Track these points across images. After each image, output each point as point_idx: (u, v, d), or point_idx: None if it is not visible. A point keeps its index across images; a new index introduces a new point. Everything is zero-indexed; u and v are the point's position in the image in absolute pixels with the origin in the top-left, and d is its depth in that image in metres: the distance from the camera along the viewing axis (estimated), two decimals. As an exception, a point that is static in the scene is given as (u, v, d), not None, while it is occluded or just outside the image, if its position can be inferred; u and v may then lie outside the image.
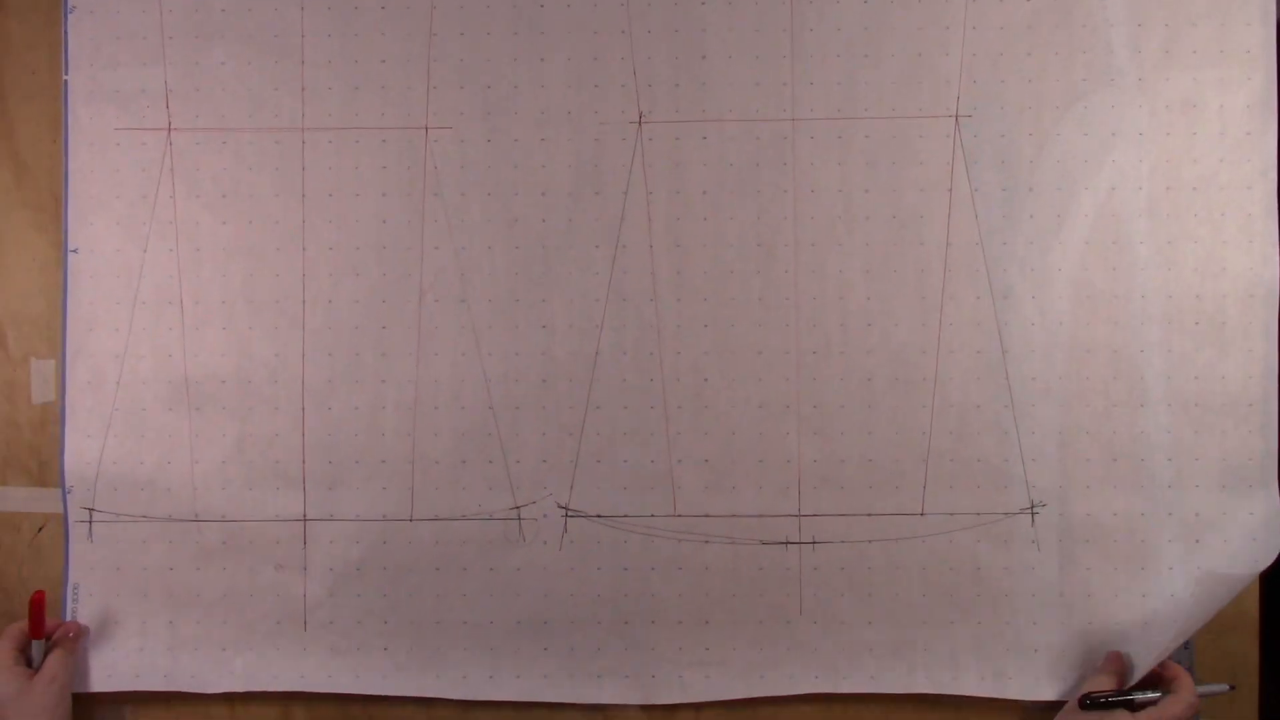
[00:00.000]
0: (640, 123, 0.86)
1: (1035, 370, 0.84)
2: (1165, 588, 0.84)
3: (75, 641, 0.84)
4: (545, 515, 0.85)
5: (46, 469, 0.88)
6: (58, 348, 0.87)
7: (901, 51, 0.85)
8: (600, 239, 0.86)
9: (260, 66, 0.86)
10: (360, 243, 0.86)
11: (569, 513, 0.86)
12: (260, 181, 0.86)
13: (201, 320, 0.86)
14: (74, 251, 0.86)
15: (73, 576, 0.86)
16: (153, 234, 0.86)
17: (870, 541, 0.85)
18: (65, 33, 0.86)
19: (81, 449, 0.86)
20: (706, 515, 0.85)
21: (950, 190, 0.85)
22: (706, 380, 0.85)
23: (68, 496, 0.85)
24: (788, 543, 0.85)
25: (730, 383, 0.85)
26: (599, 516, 0.85)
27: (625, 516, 0.85)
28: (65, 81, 0.86)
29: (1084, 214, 0.85)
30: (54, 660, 0.82)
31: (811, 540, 0.85)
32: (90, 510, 0.86)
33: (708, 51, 0.86)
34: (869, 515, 0.85)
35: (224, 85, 0.86)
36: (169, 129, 0.86)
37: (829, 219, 0.85)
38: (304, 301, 0.86)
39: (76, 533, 0.86)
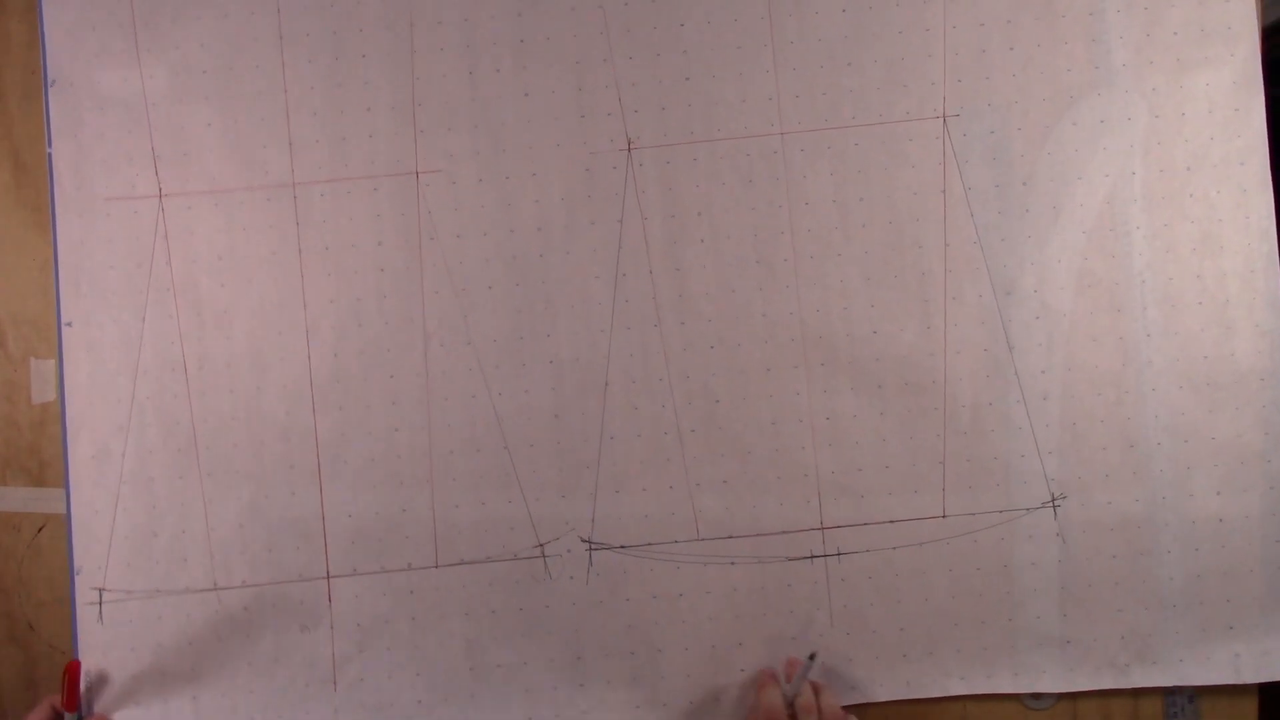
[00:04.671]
0: (629, 149, 0.83)
1: (1044, 363, 0.82)
2: (1192, 569, 0.81)
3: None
4: (569, 550, 0.82)
5: (47, 469, 0.84)
6: (57, 348, 0.83)
7: (883, 57, 0.82)
8: (599, 269, 0.83)
9: (246, 125, 0.82)
10: (361, 293, 0.83)
11: (592, 546, 0.83)
12: (256, 240, 0.83)
13: (208, 385, 0.82)
14: (69, 325, 0.83)
15: (85, 662, 0.81)
16: (151, 301, 0.83)
17: (895, 549, 0.82)
18: (46, 106, 0.82)
19: (89, 527, 0.81)
20: (730, 536, 0.82)
21: (944, 191, 0.82)
22: (718, 402, 0.82)
23: (76, 578, 0.81)
24: (813, 557, 0.82)
25: (742, 402, 0.82)
26: (623, 547, 0.83)
27: (649, 545, 0.82)
28: (49, 155, 0.83)
29: (1079, 204, 0.82)
30: None
31: (836, 552, 0.82)
32: (100, 590, 0.81)
33: (691, 73, 0.83)
34: (891, 522, 0.82)
35: (211, 147, 0.83)
36: (160, 195, 0.83)
37: (826, 229, 0.83)
38: (309, 357, 0.83)
39: (86, 616, 0.81)
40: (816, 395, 0.82)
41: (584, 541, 0.82)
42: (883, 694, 0.81)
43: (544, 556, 0.82)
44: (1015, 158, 0.82)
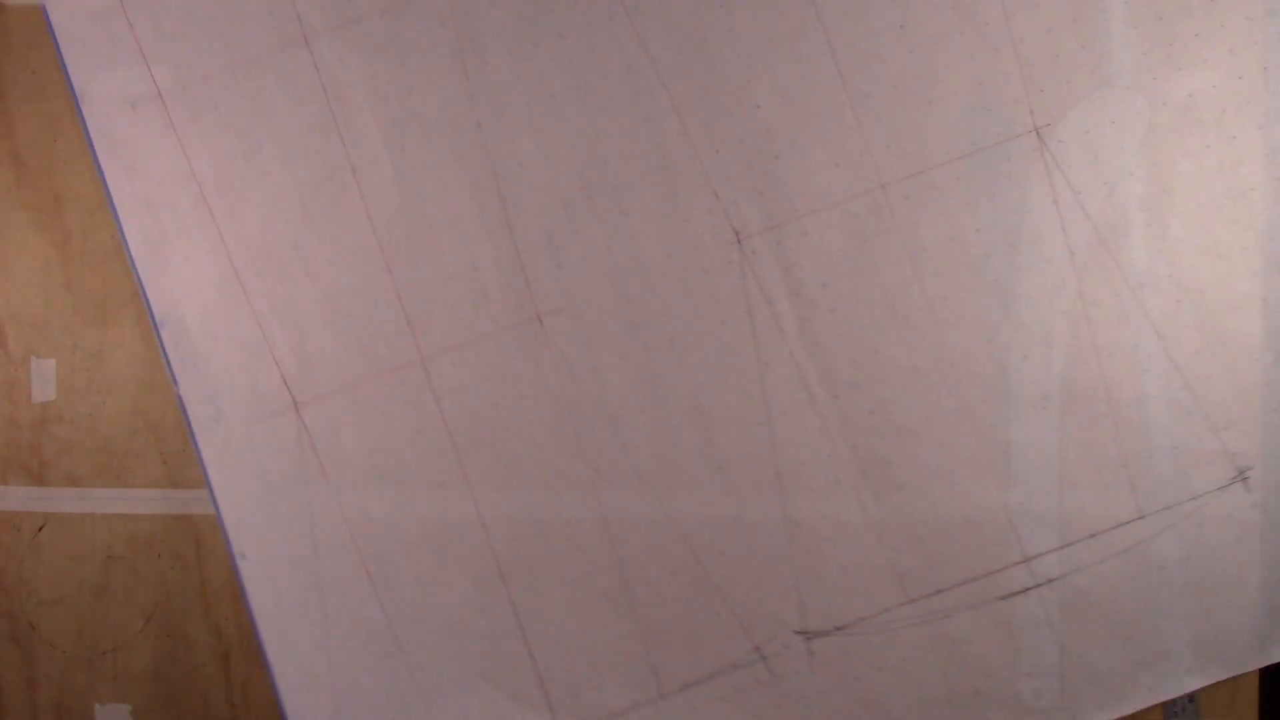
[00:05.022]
0: (739, 241, 0.82)
1: (1195, 344, 0.81)
2: (1395, 505, 0.81)
3: None
4: (787, 646, 0.82)
5: (47, 468, 0.84)
6: (57, 347, 0.83)
7: (961, 87, 0.82)
8: (741, 364, 0.82)
9: (360, 316, 0.81)
10: (518, 449, 0.82)
11: (808, 635, 0.82)
12: (401, 426, 0.82)
13: (392, 581, 0.81)
14: (243, 558, 0.82)
15: None
16: (317, 514, 0.82)
17: (1103, 561, 0.82)
18: (164, 349, 0.82)
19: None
20: (938, 591, 0.82)
21: (1055, 201, 0.82)
22: (891, 463, 0.82)
23: None
24: (1025, 590, 0.82)
25: (915, 457, 0.82)
26: (837, 629, 0.82)
27: (861, 620, 0.82)
28: (178, 395, 0.82)
29: (1187, 179, 0.81)
30: None
31: (1046, 580, 0.82)
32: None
33: (778, 151, 0.82)
34: (1092, 536, 0.82)
35: (331, 346, 0.82)
36: (295, 406, 0.82)
37: (951, 268, 0.82)
38: (484, 526, 0.82)
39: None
40: (985, 432, 0.82)
41: (799, 633, 0.82)
42: (1129, 706, 0.81)
43: (763, 658, 0.82)
44: (1115, 150, 0.82)
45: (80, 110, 0.80)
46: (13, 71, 0.83)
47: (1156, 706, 0.83)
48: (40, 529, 0.84)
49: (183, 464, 0.84)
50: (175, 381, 0.82)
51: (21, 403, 0.84)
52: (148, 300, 0.82)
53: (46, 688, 0.83)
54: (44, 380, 0.83)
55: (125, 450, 0.84)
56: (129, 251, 0.81)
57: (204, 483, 0.83)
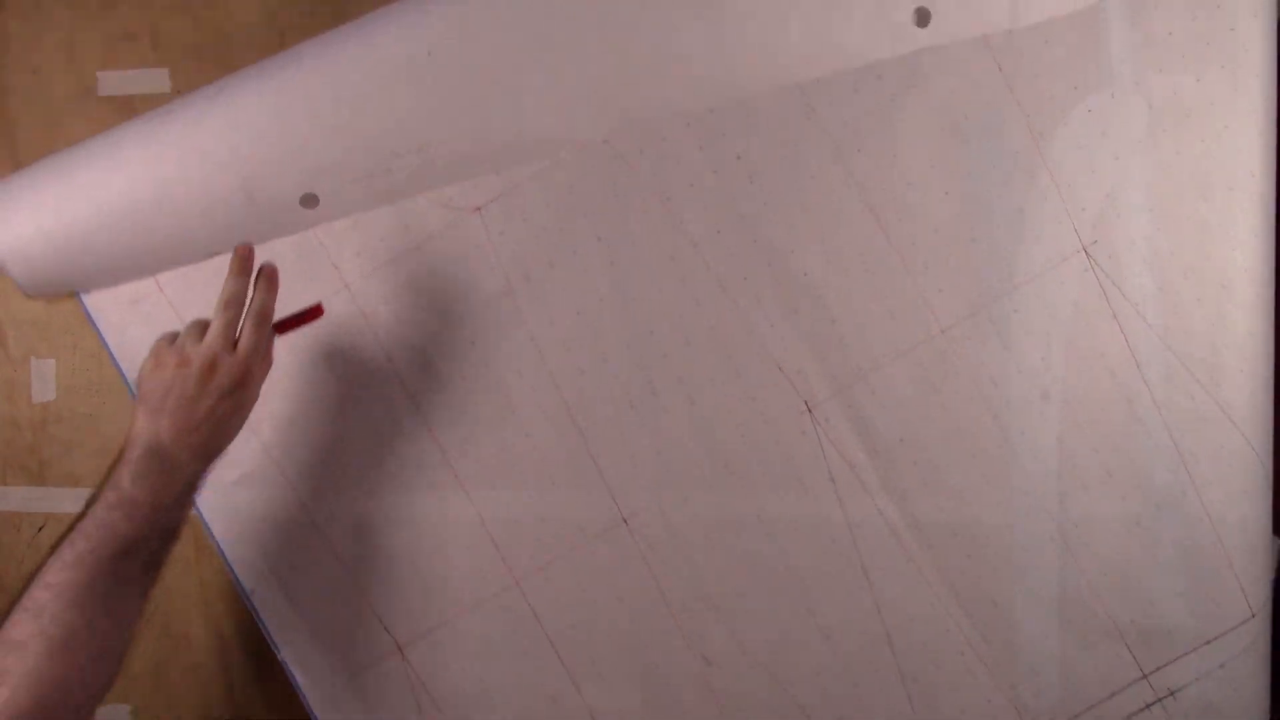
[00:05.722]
0: (809, 409, 0.82)
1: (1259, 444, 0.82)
2: None
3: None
4: (921, 799, 0.83)
5: (47, 469, 0.83)
6: (57, 347, 0.83)
7: (1003, 218, 0.81)
8: (832, 530, 0.82)
9: (449, 548, 0.82)
10: (624, 649, 0.82)
11: (937, 782, 0.83)
12: (505, 648, 0.81)
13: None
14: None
15: None
16: (436, 747, 0.83)
17: (1222, 666, 0.82)
18: (258, 616, 0.82)
19: None
20: (1058, 720, 0.83)
21: (1114, 316, 0.82)
22: (996, 603, 0.81)
23: None
24: (1148, 706, 0.82)
25: (1018, 592, 0.82)
26: (968, 773, 0.83)
27: (991, 759, 0.83)
28: (283, 661, 0.82)
29: (1242, 271, 0.81)
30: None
31: (1168, 693, 0.82)
32: None
33: (834, 314, 0.81)
34: (1207, 644, 0.82)
35: (424, 582, 0.81)
36: (400, 650, 0.82)
37: (1025, 402, 0.82)
38: (591, 712, 0.83)
39: None
40: (1083, 557, 0.82)
41: (928, 781, 0.82)
42: (1267, 805, 0.82)
43: (899, 813, 0.82)
44: (1166, 256, 0.81)
45: (134, 395, 0.80)
46: (13, 72, 0.82)
47: None
48: (40, 529, 0.83)
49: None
50: (276, 648, 0.82)
51: (21, 403, 0.83)
52: (234, 572, 0.81)
53: (45, 687, 0.83)
54: (44, 380, 0.83)
55: (125, 451, 0.82)
56: (204, 522, 0.81)
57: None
